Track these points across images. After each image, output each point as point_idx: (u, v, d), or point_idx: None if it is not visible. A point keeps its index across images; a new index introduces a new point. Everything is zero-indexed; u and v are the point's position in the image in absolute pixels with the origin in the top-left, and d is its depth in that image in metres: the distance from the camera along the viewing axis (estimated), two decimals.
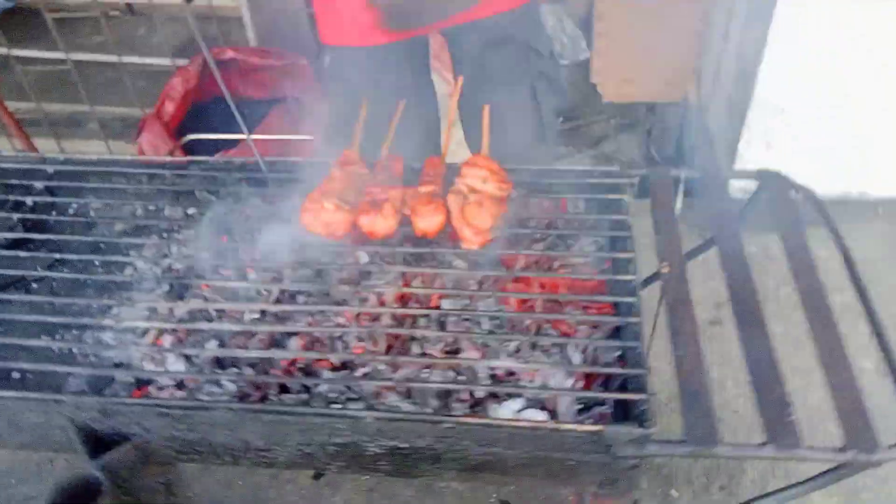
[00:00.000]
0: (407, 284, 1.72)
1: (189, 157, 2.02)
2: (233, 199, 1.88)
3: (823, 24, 2.93)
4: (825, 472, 1.31)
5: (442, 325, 1.63)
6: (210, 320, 1.69)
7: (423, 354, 1.59)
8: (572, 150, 4.06)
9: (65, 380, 1.65)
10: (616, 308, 1.61)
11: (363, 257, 1.79)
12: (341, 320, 1.65)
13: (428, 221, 1.64)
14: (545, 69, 2.25)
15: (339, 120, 2.36)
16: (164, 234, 2.00)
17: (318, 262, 1.78)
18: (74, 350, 1.69)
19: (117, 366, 1.62)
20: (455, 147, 2.44)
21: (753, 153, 3.33)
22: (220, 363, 1.61)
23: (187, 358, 1.62)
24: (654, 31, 4.19)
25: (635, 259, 1.57)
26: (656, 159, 4.44)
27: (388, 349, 1.59)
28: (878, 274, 2.95)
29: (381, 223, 1.65)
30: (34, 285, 1.87)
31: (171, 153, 3.15)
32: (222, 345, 1.64)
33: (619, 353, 1.55)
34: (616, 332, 1.57)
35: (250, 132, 1.91)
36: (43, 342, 1.65)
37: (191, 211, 2.04)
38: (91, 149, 4.07)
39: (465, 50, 2.17)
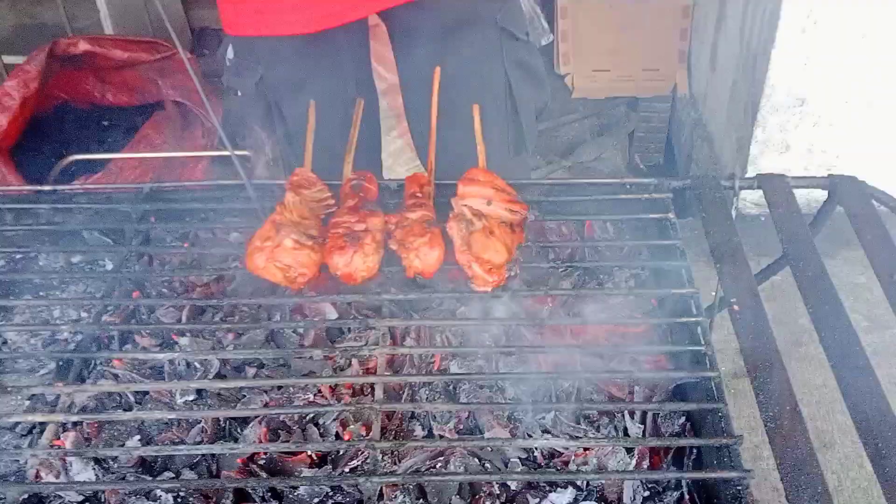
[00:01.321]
0: (398, 343, 1.66)
1: (76, 186, 1.91)
2: (141, 241, 1.79)
3: None
4: None
5: (452, 396, 1.58)
6: (128, 408, 1.59)
7: (430, 435, 1.53)
8: (540, 160, 4.10)
9: None
10: (674, 358, 1.61)
11: (332, 311, 1.73)
12: (313, 397, 1.58)
13: (423, 258, 1.60)
14: (521, 56, 2.25)
15: (252, 130, 2.30)
16: (41, 293, 1.88)
17: (273, 321, 1.72)
18: None
19: (1, 479, 1.48)
20: (391, 162, 2.42)
21: (769, 156, 3.46)
22: (147, 466, 1.51)
23: (100, 462, 1.50)
24: (633, 9, 4.32)
25: (699, 296, 1.57)
26: (641, 168, 4.57)
27: (383, 432, 1.52)
28: None
29: (361, 263, 1.59)
30: None
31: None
32: (149, 441, 1.55)
33: (683, 418, 1.54)
34: (678, 391, 1.57)
35: (118, 148, 1.85)
36: None
37: (77, 259, 1.94)
38: None
39: (419, 34, 2.13)
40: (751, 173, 2.19)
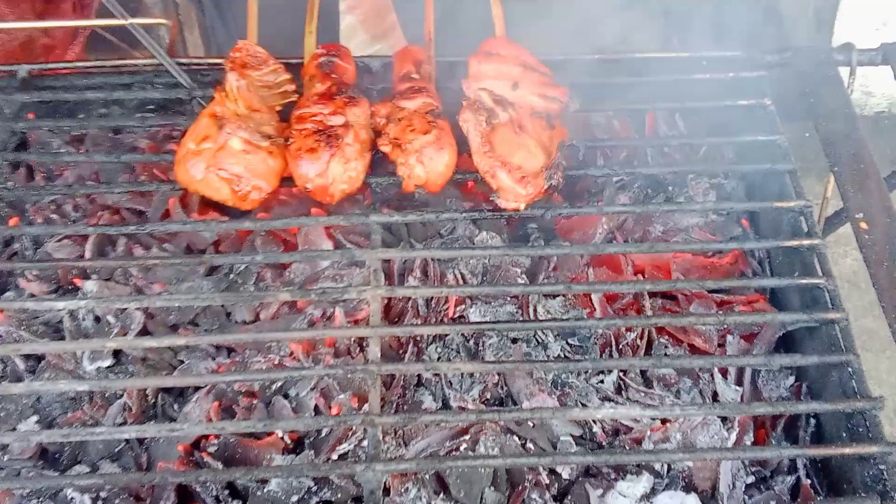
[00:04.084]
0: (396, 283, 1.64)
1: None
2: (16, 145, 1.74)
3: None
4: None
5: (473, 353, 1.57)
6: (17, 378, 1.56)
7: (447, 407, 1.51)
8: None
9: None
10: (775, 298, 1.61)
11: (302, 240, 1.70)
12: (278, 359, 1.56)
13: (428, 163, 1.56)
14: None
15: None
16: None
17: (213, 255, 1.69)
18: None
19: None
20: (348, 33, 2.39)
21: (863, 36, 3.47)
22: (51, 458, 1.49)
23: None
24: None
25: (811, 210, 1.57)
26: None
27: (383, 405, 1.50)
28: None
29: (341, 171, 1.56)
30: None
31: None
32: (50, 423, 1.52)
33: (792, 378, 1.55)
34: (784, 341, 1.58)
35: None
36: None
37: None
38: None
39: None
40: None
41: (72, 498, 1.41)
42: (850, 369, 1.40)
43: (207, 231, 1.72)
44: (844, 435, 1.42)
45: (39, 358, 1.59)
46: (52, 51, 3.46)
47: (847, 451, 1.37)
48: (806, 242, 1.53)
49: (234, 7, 1.95)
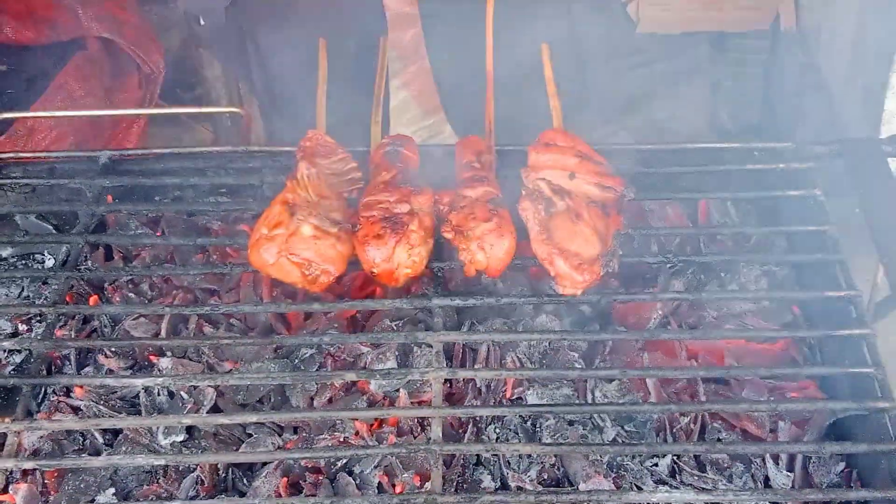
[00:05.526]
0: (457, 365, 1.69)
1: (7, 154, 1.94)
2: (96, 225, 1.83)
3: None
4: None
5: (531, 434, 1.62)
6: (96, 452, 1.62)
7: (505, 487, 1.56)
8: (594, 118, 4.10)
9: None
10: (826, 384, 1.65)
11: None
12: (344, 435, 1.62)
13: (489, 249, 1.62)
14: None
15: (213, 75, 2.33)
16: None
17: (281, 334, 1.76)
18: None
19: None
20: (402, 107, 2.44)
21: None
22: None
23: None
24: None
25: (860, 299, 1.61)
26: (729, 130, 4.60)
27: (443, 482, 1.54)
28: None
29: (405, 256, 1.62)
30: None
31: None
32: (126, 496, 1.57)
33: (842, 464, 1.58)
34: (835, 427, 1.61)
35: (21, 102, 1.88)
36: None
37: (9, 252, 1.98)
38: None
39: None
40: (884, 135, 2.22)
41: None
42: None
43: (277, 311, 1.78)
44: None
45: (116, 432, 1.65)
46: (118, 124, 3.58)
47: None
48: (856, 332, 1.57)
49: (286, 98, 2.02)
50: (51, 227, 1.96)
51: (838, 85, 4.03)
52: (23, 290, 1.91)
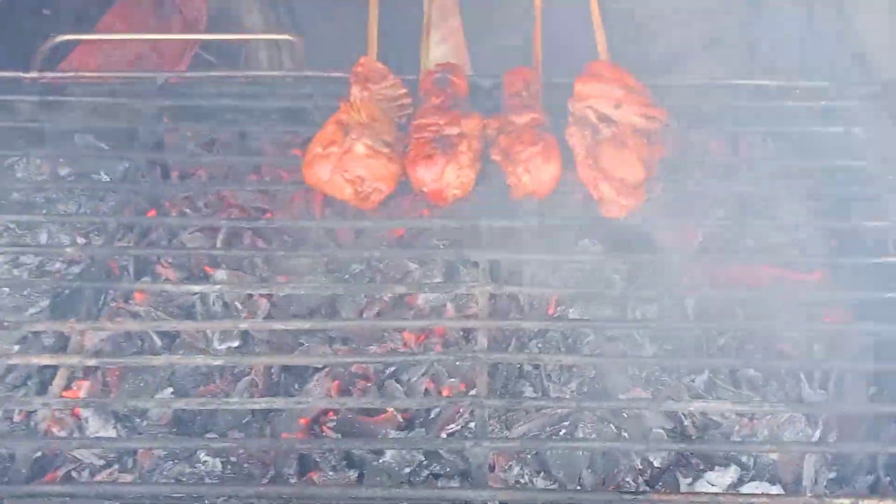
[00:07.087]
0: (502, 280, 1.74)
1: (68, 74, 2.00)
2: (153, 145, 1.89)
3: None
4: None
5: (572, 349, 1.67)
6: (156, 353, 1.69)
7: (544, 394, 1.62)
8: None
9: None
10: (858, 312, 1.69)
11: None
12: (392, 344, 1.69)
13: (535, 172, 1.69)
14: None
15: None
16: (25, 210, 1.98)
17: (332, 248, 1.84)
18: None
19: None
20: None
21: None
22: (183, 427, 1.61)
23: (121, 420, 1.60)
24: None
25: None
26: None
27: (487, 391, 1.61)
28: None
29: (455, 177, 1.69)
30: None
31: None
32: (182, 393, 1.64)
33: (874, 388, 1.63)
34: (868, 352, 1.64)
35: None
36: None
37: (67, 171, 2.04)
38: None
39: None
40: None
41: (205, 461, 1.53)
42: None
43: (330, 227, 1.87)
44: None
45: (173, 337, 1.72)
46: (163, 62, 3.64)
47: None
48: (892, 260, 1.63)
49: (320, 31, 2.07)
50: (106, 148, 2.01)
51: (871, 36, 4.05)
52: (80, 206, 1.97)
